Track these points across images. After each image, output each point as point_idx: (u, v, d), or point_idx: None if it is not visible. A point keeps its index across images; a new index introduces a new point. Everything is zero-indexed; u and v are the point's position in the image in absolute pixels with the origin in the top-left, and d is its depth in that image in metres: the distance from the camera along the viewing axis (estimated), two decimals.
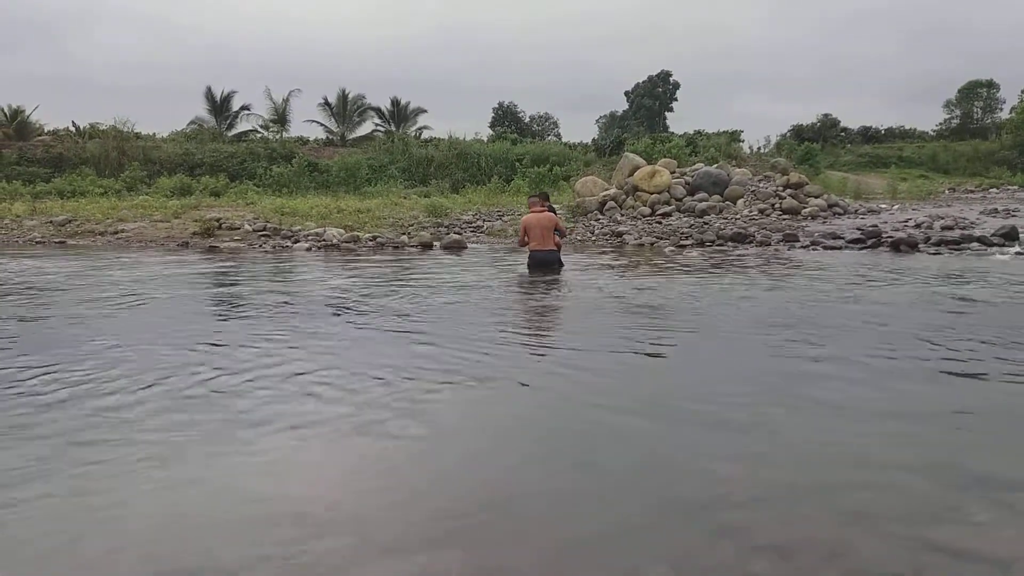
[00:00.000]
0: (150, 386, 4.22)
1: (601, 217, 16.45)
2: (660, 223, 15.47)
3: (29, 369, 4.61)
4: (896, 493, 2.77)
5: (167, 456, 3.21)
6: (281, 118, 39.60)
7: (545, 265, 9.53)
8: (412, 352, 5.02)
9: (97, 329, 5.97)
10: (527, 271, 9.60)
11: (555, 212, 10.53)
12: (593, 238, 14.33)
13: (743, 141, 35.64)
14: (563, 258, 9.93)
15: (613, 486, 2.88)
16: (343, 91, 41.23)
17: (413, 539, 2.49)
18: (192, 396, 4.04)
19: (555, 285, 8.41)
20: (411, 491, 2.89)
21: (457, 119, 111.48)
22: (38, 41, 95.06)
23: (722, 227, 14.35)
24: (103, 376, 4.43)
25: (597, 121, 70.25)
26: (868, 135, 55.85)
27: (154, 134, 37.37)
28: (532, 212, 9.74)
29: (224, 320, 6.59)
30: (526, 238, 9.63)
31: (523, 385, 4.28)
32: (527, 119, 64.39)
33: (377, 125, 43.23)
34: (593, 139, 45.84)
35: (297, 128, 42.25)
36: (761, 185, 18.09)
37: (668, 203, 16.84)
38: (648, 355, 5.00)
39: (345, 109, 41.47)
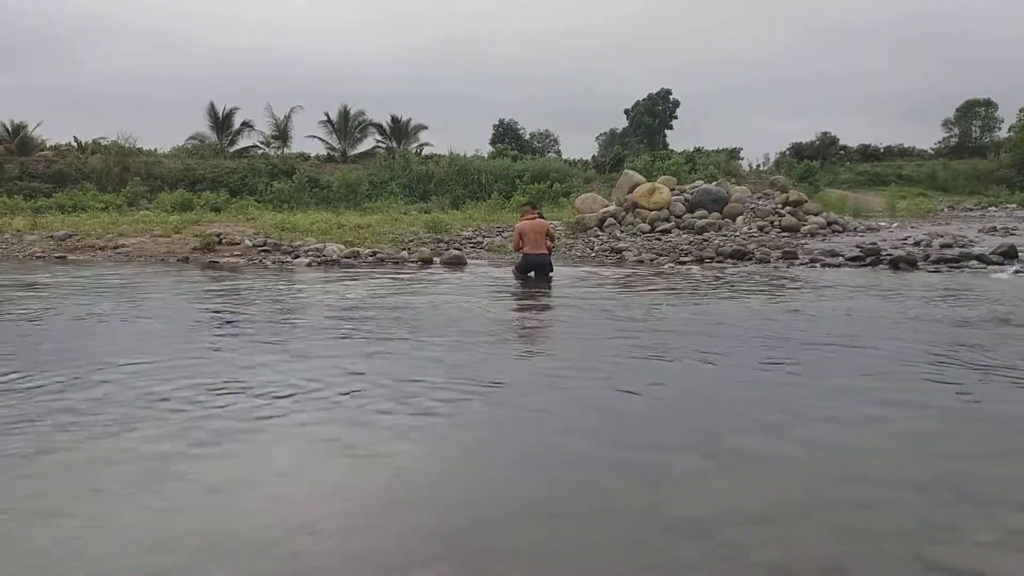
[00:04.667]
0: (138, 400, 4.21)
1: (601, 233, 16.47)
2: (659, 240, 15.48)
3: (18, 381, 4.60)
4: (896, 511, 2.76)
5: (154, 471, 3.20)
6: (282, 134, 39.77)
7: (539, 266, 10.39)
8: (402, 369, 5.01)
9: (88, 342, 5.97)
10: (517, 273, 10.44)
11: (542, 216, 11.49)
12: (593, 254, 14.34)
13: (742, 159, 35.79)
14: (561, 271, 10.28)
15: (605, 503, 2.87)
16: (344, 107, 41.42)
17: (404, 555, 2.48)
18: (180, 413, 4.03)
19: (552, 300, 8.41)
20: (401, 507, 2.88)
21: (458, 135, 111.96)
22: (40, 56, 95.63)
23: (721, 244, 14.36)
24: (92, 391, 4.42)
25: (597, 138, 70.73)
26: (867, 153, 56.03)
27: (155, 149, 37.49)
28: (525, 219, 10.71)
29: (215, 336, 6.58)
30: (521, 243, 10.50)
31: (515, 403, 4.27)
32: (527, 136, 64.71)
33: (378, 141, 43.40)
34: (593, 156, 45.97)
35: (298, 144, 42.45)
36: (760, 203, 18.14)
37: (668, 220, 16.87)
38: (643, 372, 5.00)
39: (346, 125, 41.61)
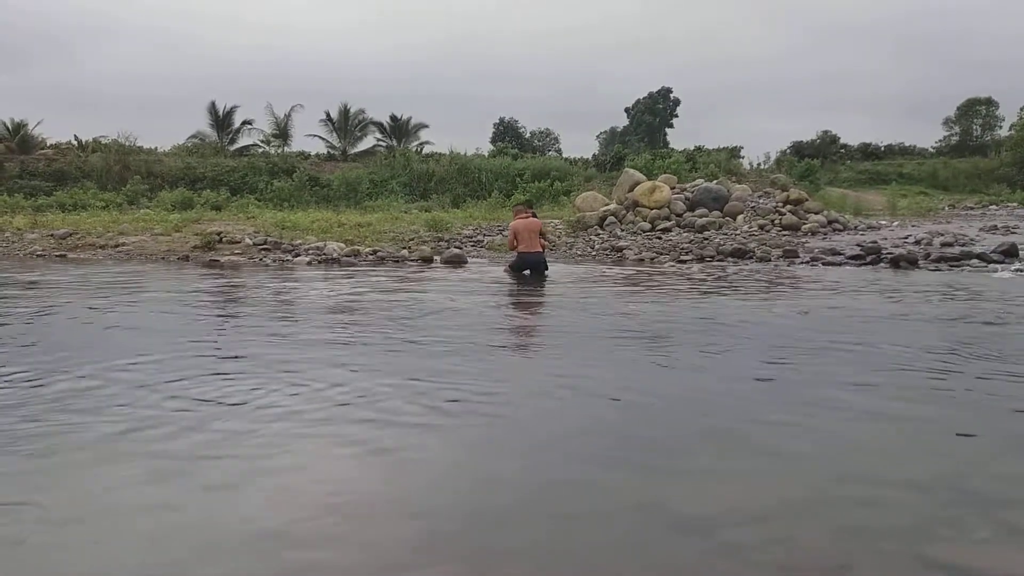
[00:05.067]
0: (137, 399, 4.21)
1: (601, 232, 16.47)
2: (660, 238, 15.48)
3: (16, 381, 4.60)
4: (896, 510, 2.76)
5: (157, 472, 3.19)
6: (283, 133, 39.76)
7: (534, 265, 10.60)
8: (403, 370, 5.01)
9: (86, 340, 5.97)
10: (511, 272, 10.62)
11: (536, 216, 11.88)
12: (593, 253, 14.34)
13: (743, 157, 35.84)
14: (562, 269, 10.33)
15: (606, 503, 2.86)
16: (344, 106, 41.41)
17: (405, 556, 2.48)
18: (179, 414, 4.03)
19: (551, 300, 8.41)
20: (402, 508, 2.87)
21: (458, 133, 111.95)
22: (40, 55, 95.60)
23: (722, 243, 14.36)
24: (90, 391, 4.42)
25: (598, 137, 70.72)
26: (868, 152, 56.00)
27: (156, 148, 37.52)
28: (519, 219, 10.94)
29: (213, 336, 6.58)
30: (515, 242, 10.75)
31: (515, 404, 4.27)
32: (528, 134, 64.71)
33: (379, 140, 43.41)
34: (593, 154, 45.99)
35: (299, 143, 42.44)
36: (761, 201, 18.14)
37: (668, 219, 16.87)
38: (642, 372, 4.99)
39: (347, 124, 41.61)
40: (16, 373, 4.83)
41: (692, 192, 17.89)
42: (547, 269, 10.71)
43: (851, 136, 76.16)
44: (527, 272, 10.58)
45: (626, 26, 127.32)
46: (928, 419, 3.89)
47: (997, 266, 11.07)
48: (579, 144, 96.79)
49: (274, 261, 13.41)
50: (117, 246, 15.59)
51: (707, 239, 15.07)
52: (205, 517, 2.79)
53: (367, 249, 14.22)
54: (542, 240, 10.89)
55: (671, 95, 65.17)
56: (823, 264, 11.86)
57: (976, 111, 60.04)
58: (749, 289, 9.09)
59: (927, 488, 2.97)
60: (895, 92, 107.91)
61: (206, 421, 3.83)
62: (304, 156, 38.79)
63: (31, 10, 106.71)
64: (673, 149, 38.71)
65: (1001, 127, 57.33)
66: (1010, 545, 2.52)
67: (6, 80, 75.68)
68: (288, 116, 39.69)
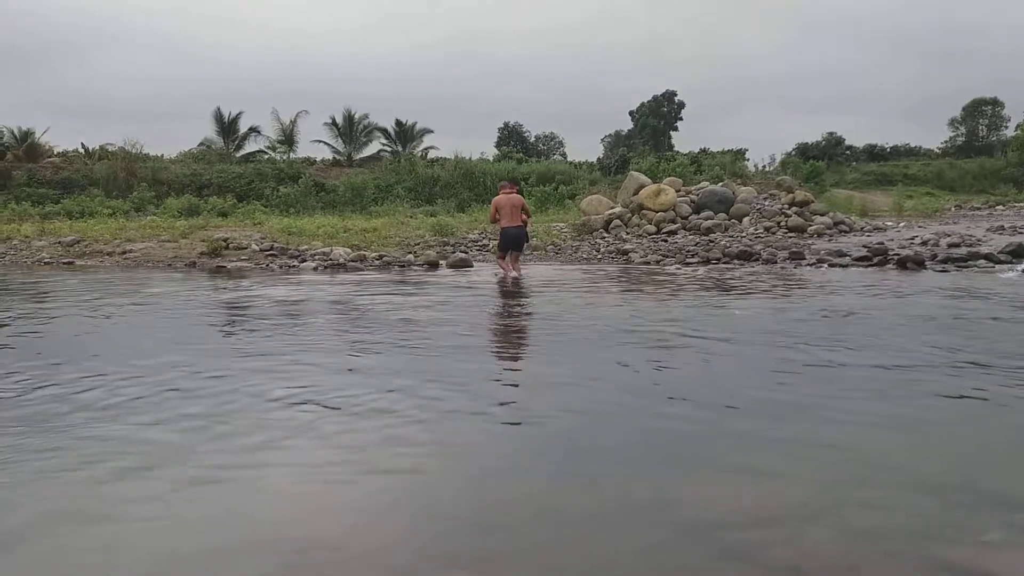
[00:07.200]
0: (142, 404, 4.22)
1: (607, 235, 16.47)
2: (666, 241, 15.48)
3: (29, 382, 4.62)
4: (907, 512, 2.75)
5: (160, 478, 3.20)
6: (288, 139, 39.85)
7: (516, 238, 11.16)
8: (410, 376, 5.01)
9: (92, 344, 5.99)
10: (500, 251, 11.19)
11: (522, 194, 12.76)
12: (599, 256, 14.34)
13: (748, 160, 35.73)
14: (570, 272, 10.50)
15: (615, 507, 2.86)
16: (349, 111, 41.51)
17: (412, 560, 2.48)
18: (190, 421, 4.04)
19: (554, 305, 8.41)
20: (416, 516, 2.87)
21: (463, 138, 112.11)
22: (46, 61, 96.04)
23: (728, 245, 14.34)
24: (100, 396, 4.44)
25: (602, 140, 70.64)
26: (874, 153, 55.89)
27: (162, 155, 37.69)
28: (502, 193, 11.38)
29: (216, 342, 6.59)
30: (497, 215, 11.23)
31: (520, 409, 4.26)
32: (532, 138, 64.78)
33: (384, 145, 43.49)
34: (598, 158, 46.03)
35: (304, 148, 42.42)
36: (766, 203, 18.11)
37: (674, 221, 16.87)
38: (648, 375, 4.98)
39: (352, 129, 41.72)
40: (10, 378, 4.85)
41: (697, 195, 17.88)
42: (528, 240, 11.49)
43: (856, 137, 76.06)
44: (511, 242, 11.04)
45: (630, 27, 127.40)
46: (937, 420, 3.88)
47: (1004, 267, 11.03)
48: (584, 148, 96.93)
49: (280, 267, 13.44)
50: (124, 253, 15.65)
51: (713, 241, 15.05)
52: (210, 526, 2.79)
53: (373, 254, 14.25)
54: (523, 215, 11.35)
55: (675, 98, 65.20)
56: (829, 266, 11.83)
57: (982, 111, 59.88)
58: (755, 291, 9.07)
59: (937, 490, 2.95)
60: (901, 92, 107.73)
61: (204, 425, 3.84)
62: (310, 162, 38.88)
63: (36, 15, 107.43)
64: (678, 152, 38.72)
65: (1007, 127, 57.24)
66: (1022, 547, 2.51)
67: (13, 86, 75.98)
68: (294, 122, 39.81)
